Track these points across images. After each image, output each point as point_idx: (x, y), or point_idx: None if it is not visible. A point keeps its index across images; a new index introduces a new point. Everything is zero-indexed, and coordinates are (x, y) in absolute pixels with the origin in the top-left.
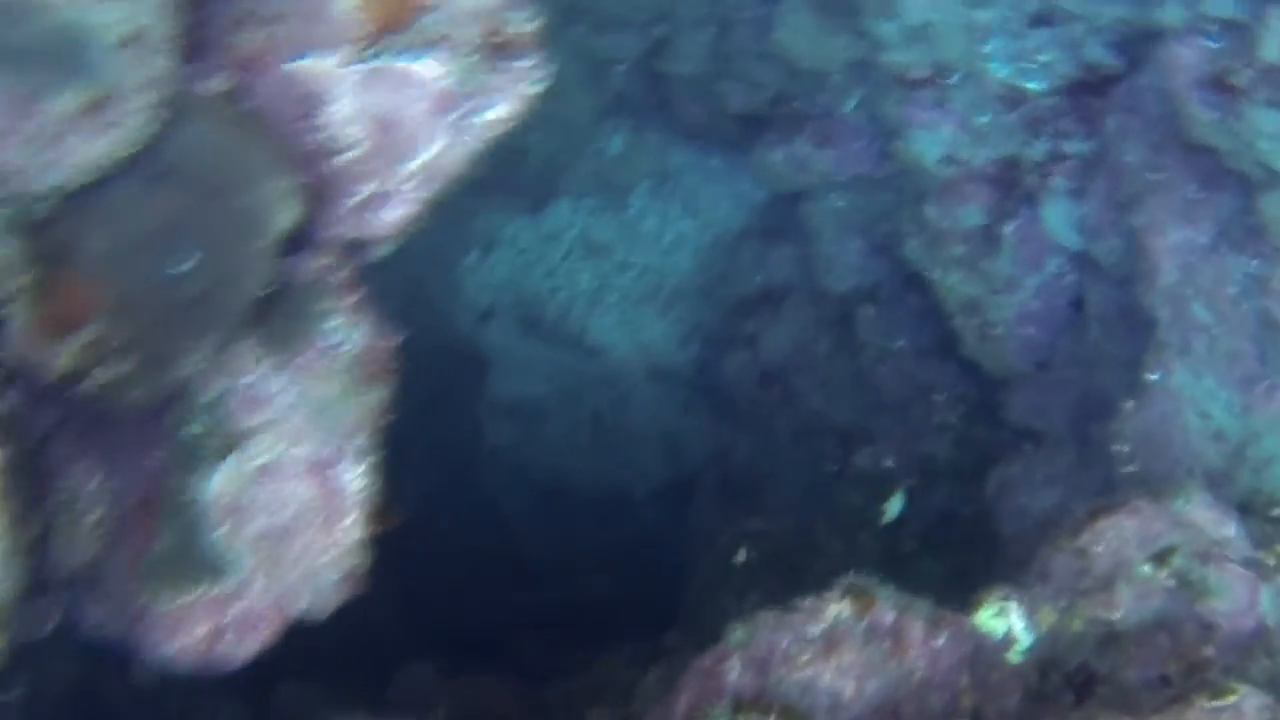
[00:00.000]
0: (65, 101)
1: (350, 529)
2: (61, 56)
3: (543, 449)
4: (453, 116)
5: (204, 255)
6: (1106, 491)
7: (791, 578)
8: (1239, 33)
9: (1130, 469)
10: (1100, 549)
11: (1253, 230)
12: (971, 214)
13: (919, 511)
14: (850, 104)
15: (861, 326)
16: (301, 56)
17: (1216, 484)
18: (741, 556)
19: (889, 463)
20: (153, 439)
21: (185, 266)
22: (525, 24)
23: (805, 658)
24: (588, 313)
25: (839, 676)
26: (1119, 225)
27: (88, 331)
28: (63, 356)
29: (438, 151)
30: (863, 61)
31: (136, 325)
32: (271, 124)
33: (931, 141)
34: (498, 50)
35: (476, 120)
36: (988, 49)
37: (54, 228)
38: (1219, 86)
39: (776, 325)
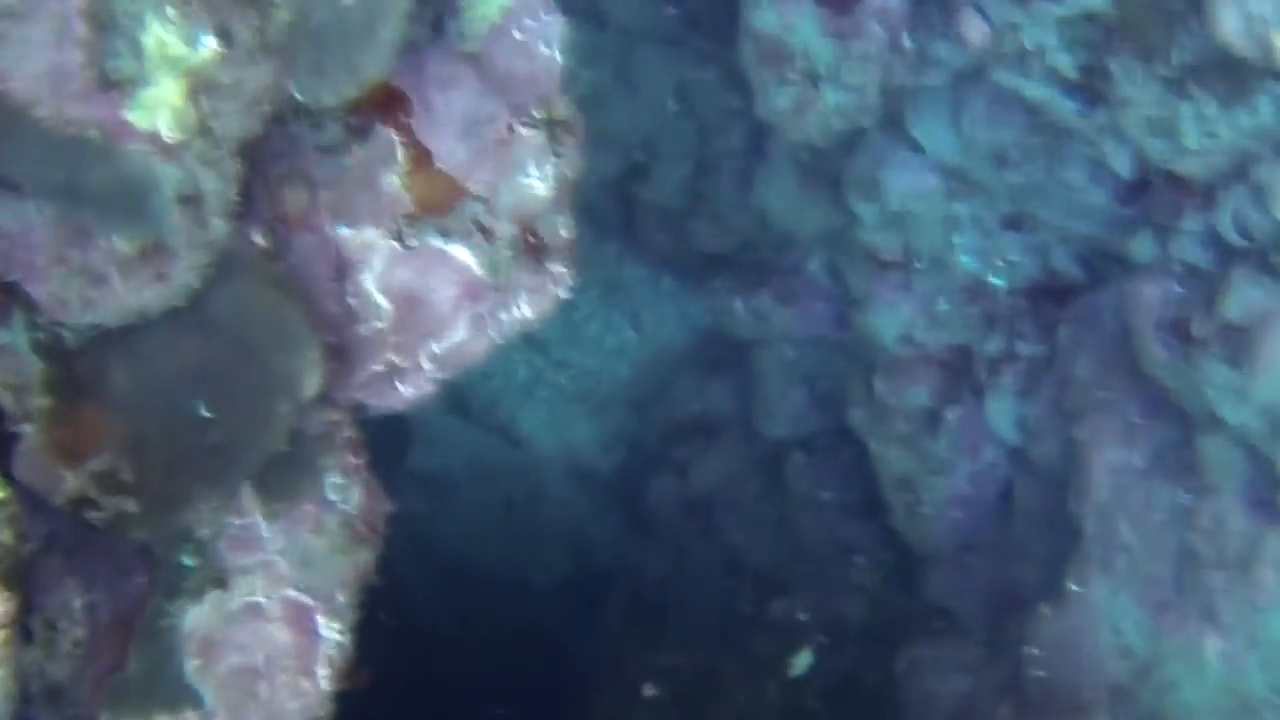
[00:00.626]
0: (119, 243)
1: (321, 680)
2: (123, 202)
3: (451, 524)
4: (481, 307)
5: (227, 409)
6: (1014, 690)
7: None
8: (1204, 281)
9: (1040, 673)
10: None
11: (1187, 464)
12: (919, 394)
13: (826, 669)
14: (816, 264)
15: (791, 473)
16: (342, 223)
17: (1119, 700)
18: (649, 691)
19: (802, 615)
20: (139, 561)
21: (205, 415)
22: (563, 230)
23: None
24: (519, 403)
25: None
26: (1058, 431)
27: (98, 462)
28: (71, 481)
29: (461, 340)
30: (837, 232)
31: (148, 465)
32: (304, 282)
33: (892, 319)
34: (533, 250)
35: (503, 315)
36: (959, 240)
37: (81, 358)
38: (1178, 332)
39: (708, 457)
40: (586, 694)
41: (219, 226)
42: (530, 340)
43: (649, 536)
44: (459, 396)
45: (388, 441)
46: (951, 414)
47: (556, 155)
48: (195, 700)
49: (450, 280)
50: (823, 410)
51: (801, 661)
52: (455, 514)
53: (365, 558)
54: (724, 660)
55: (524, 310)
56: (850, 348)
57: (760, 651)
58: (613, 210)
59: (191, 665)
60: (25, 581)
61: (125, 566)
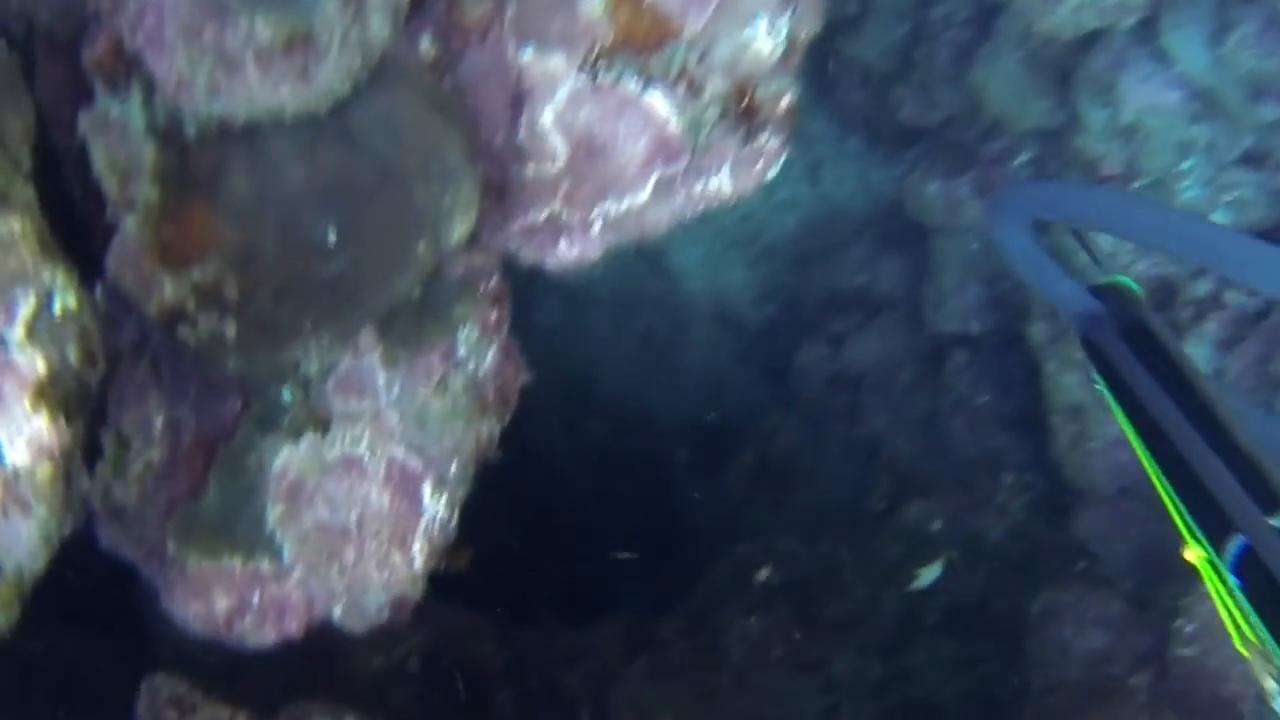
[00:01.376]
0: (261, 27)
1: (415, 556)
2: None
3: (585, 344)
4: (672, 170)
5: (356, 238)
6: (1155, 661)
7: (805, 614)
8: None
9: (1187, 651)
10: None
11: None
12: None
13: (953, 589)
14: (1024, 160)
15: (951, 371)
16: (527, 43)
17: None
18: (764, 575)
19: (937, 524)
20: (232, 387)
21: (330, 241)
22: (785, 98)
23: None
24: (675, 235)
25: None
26: (1257, 393)
27: (201, 271)
28: (168, 288)
29: (642, 203)
30: (1055, 132)
31: (256, 286)
32: (471, 106)
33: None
34: (744, 116)
35: (696, 185)
36: (1188, 166)
37: (199, 151)
38: None
39: (865, 334)
40: (698, 552)
41: (379, 27)
42: None
43: (788, 403)
44: None
45: None
46: None
47: (793, 11)
48: (272, 549)
49: (641, 131)
50: (997, 312)
51: (929, 574)
52: (591, 334)
53: (488, 429)
54: (845, 556)
55: (722, 182)
56: None
57: (885, 554)
58: (811, 56)
59: (274, 511)
60: (94, 403)
61: (219, 387)
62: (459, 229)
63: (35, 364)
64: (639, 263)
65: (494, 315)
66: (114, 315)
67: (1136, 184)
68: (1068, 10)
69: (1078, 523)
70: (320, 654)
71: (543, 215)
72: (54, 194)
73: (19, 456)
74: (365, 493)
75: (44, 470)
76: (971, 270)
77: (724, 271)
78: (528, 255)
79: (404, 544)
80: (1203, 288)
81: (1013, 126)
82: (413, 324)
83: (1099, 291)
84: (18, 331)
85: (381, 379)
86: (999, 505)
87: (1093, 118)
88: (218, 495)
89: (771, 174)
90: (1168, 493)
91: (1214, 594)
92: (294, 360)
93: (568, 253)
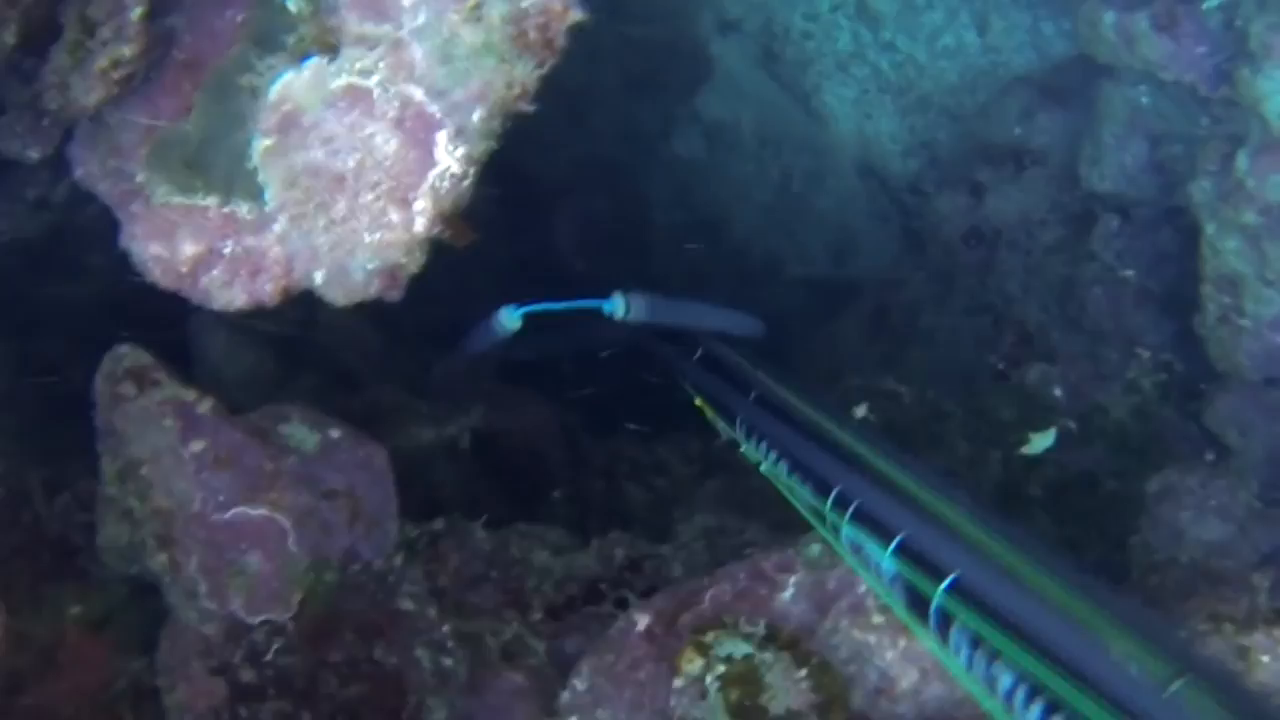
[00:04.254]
0: None
1: (418, 215)
2: None
3: (720, 181)
4: None
5: None
6: (1277, 563)
7: None
8: None
9: None
10: None
11: None
12: None
13: (1064, 460)
14: (1214, 1)
15: (1099, 235)
16: None
17: None
18: (862, 411)
19: (1057, 392)
20: None
21: None
22: None
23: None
24: (829, 74)
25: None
26: None
27: None
28: None
29: None
30: None
31: None
32: None
33: None
34: None
35: None
36: None
37: None
38: None
39: (1012, 188)
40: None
41: None
42: (863, 9)
43: (920, 252)
44: (769, 47)
45: (679, 74)
46: None
47: None
48: (252, 189)
49: None
50: (1159, 176)
51: (1040, 442)
52: (728, 172)
53: (524, 74)
54: (952, 409)
55: None
56: (1219, 110)
57: (997, 413)
58: None
59: (261, 144)
60: None
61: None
62: None
63: None
64: (787, 98)
65: None
66: None
67: None
68: None
69: (1212, 409)
70: (366, 420)
71: None
72: None
73: None
74: (369, 134)
75: None
76: (1138, 126)
77: (874, 118)
78: None
79: (405, 201)
80: None
81: None
82: None
83: None
84: None
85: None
86: (1129, 381)
87: None
88: (199, 121)
89: None
90: None
91: None
92: None
93: None
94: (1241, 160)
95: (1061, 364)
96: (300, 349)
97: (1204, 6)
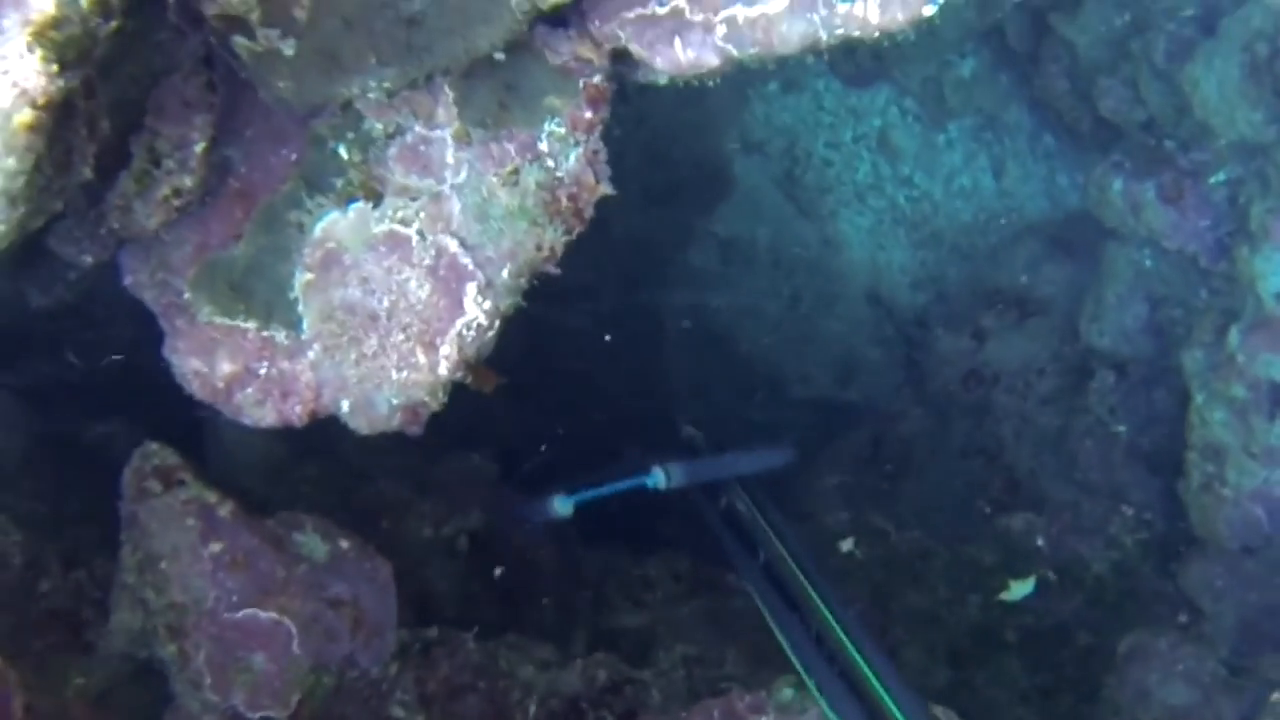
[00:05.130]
0: None
1: (443, 360)
2: None
3: (730, 294)
4: None
5: None
6: None
7: (880, 596)
8: None
9: None
10: None
11: None
12: (1276, 368)
13: (1040, 609)
14: (1220, 177)
15: (1095, 390)
16: None
17: None
18: (848, 545)
19: (1040, 541)
20: (292, 135)
21: None
22: None
23: None
24: (847, 201)
25: None
26: None
27: None
28: None
29: (777, 11)
30: (1263, 149)
31: (328, 9)
32: None
33: None
34: None
35: (839, 6)
36: None
37: None
38: None
39: (1015, 334)
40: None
41: None
42: (884, 143)
43: (919, 387)
44: (790, 169)
45: (700, 190)
46: None
47: None
48: (290, 317)
49: None
50: (1157, 338)
51: (1020, 589)
52: (741, 287)
53: (554, 238)
54: (938, 550)
55: (870, 10)
56: (1218, 282)
57: (980, 558)
58: (1023, 35)
59: (303, 277)
60: (95, 62)
61: (279, 133)
62: None
63: (46, 2)
64: (803, 221)
65: (589, 115)
66: (180, 26)
67: None
68: None
69: (1189, 572)
70: (369, 512)
71: (665, 7)
72: None
73: (1, 97)
74: (405, 278)
75: (23, 118)
76: (1140, 288)
77: (887, 248)
78: (638, 50)
79: (432, 344)
80: None
81: (1218, 134)
82: (496, 103)
83: None
84: None
85: (450, 156)
86: (1111, 536)
87: None
88: (248, 247)
89: (928, 11)
90: None
91: None
92: (346, 96)
93: (681, 54)
94: (1234, 335)
95: (1047, 513)
96: (311, 437)
97: (1210, 180)
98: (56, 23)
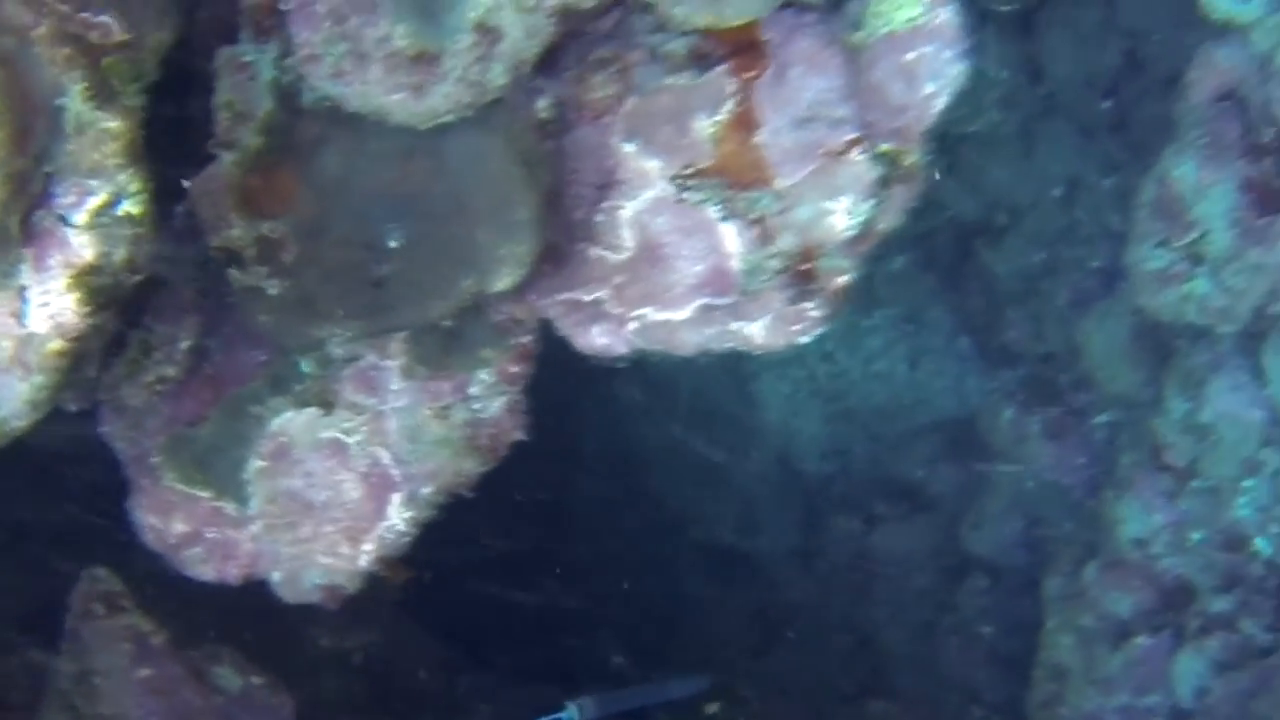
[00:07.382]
0: (398, 34)
1: (364, 554)
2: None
3: (650, 433)
4: (717, 302)
5: (413, 253)
6: None
7: None
8: None
9: None
10: None
11: None
12: (1122, 604)
13: None
14: (1102, 420)
15: (966, 591)
16: (634, 139)
17: None
18: (714, 709)
19: None
20: (265, 341)
21: (391, 245)
22: (842, 277)
23: None
24: (769, 366)
25: None
26: None
27: (270, 227)
28: (236, 230)
29: (679, 322)
30: (1139, 405)
31: (312, 260)
32: (562, 174)
33: (1139, 519)
34: (800, 279)
35: (732, 325)
36: (1247, 485)
37: (308, 120)
38: None
39: (900, 526)
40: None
41: (498, 75)
42: None
43: (807, 558)
44: None
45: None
46: (1142, 640)
47: (878, 201)
48: (240, 496)
49: (705, 256)
50: (1030, 554)
51: None
52: (659, 426)
53: (471, 468)
54: None
55: (756, 331)
56: (1086, 516)
57: None
58: (950, 247)
59: (256, 464)
60: (122, 305)
61: (254, 338)
62: (505, 281)
63: (85, 249)
64: (728, 378)
65: (516, 369)
66: (183, 235)
67: (1193, 483)
68: (1175, 297)
69: None
70: (277, 619)
71: (590, 297)
72: (176, 112)
73: (39, 324)
74: (341, 479)
75: (55, 346)
76: (1019, 506)
77: (802, 418)
78: (562, 327)
79: (356, 540)
80: (1221, 605)
81: (1103, 386)
82: (440, 348)
83: None
84: (82, 216)
85: (395, 384)
86: None
87: (1174, 406)
88: (211, 431)
89: (803, 340)
90: None
91: None
92: (317, 338)
93: (597, 339)
94: (1090, 570)
95: (902, 703)
96: None
97: (1093, 421)
98: (94, 269)
